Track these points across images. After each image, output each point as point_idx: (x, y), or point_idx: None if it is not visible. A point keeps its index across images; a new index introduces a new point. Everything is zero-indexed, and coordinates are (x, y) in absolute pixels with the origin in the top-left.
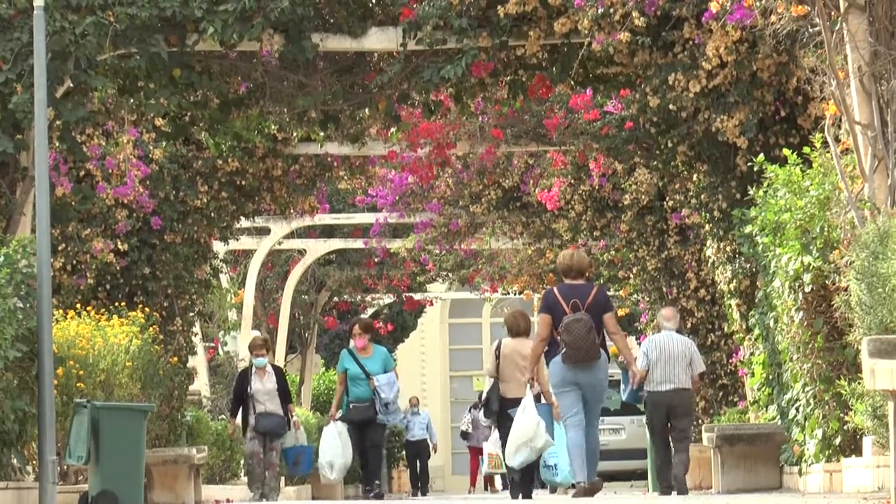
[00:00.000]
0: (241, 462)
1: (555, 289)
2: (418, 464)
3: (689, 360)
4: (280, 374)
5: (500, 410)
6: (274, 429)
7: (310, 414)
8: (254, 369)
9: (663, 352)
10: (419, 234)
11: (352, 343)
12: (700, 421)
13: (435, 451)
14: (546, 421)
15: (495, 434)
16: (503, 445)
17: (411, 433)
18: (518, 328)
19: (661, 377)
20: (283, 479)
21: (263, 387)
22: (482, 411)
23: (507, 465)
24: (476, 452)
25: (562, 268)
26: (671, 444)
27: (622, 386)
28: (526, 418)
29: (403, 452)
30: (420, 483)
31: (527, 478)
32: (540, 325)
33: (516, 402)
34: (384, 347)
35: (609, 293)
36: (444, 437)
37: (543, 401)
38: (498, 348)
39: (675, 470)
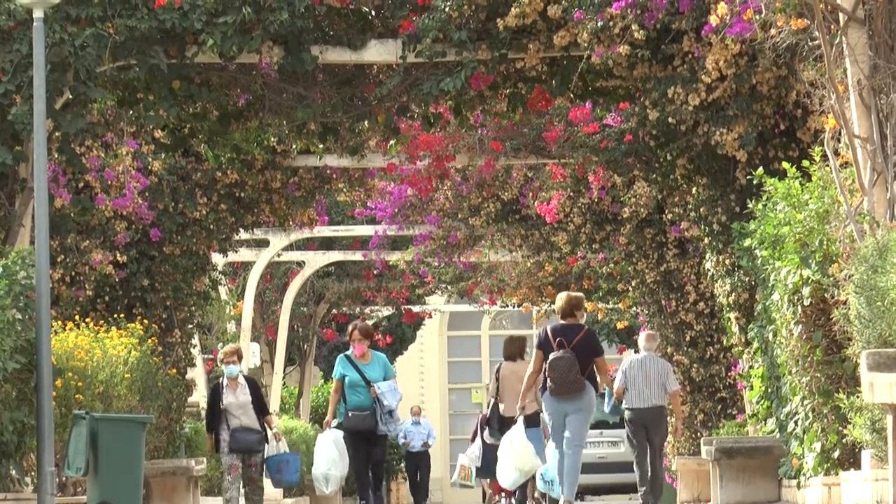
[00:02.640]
0: None
1: (548, 327)
2: (419, 476)
3: (665, 380)
4: (254, 385)
5: (500, 428)
6: (251, 446)
7: (308, 426)
8: (225, 381)
9: (640, 372)
10: (418, 247)
11: (349, 349)
12: (699, 434)
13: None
14: (536, 445)
15: (471, 448)
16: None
17: (412, 444)
18: (511, 352)
19: (638, 395)
20: (281, 491)
21: (237, 399)
22: (486, 431)
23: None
24: None
25: (557, 308)
26: (648, 456)
27: (605, 400)
28: (516, 443)
29: (403, 464)
30: (420, 495)
31: (520, 495)
32: (533, 360)
33: (515, 420)
34: (383, 354)
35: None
36: (443, 450)
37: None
38: (498, 371)
39: (652, 486)
